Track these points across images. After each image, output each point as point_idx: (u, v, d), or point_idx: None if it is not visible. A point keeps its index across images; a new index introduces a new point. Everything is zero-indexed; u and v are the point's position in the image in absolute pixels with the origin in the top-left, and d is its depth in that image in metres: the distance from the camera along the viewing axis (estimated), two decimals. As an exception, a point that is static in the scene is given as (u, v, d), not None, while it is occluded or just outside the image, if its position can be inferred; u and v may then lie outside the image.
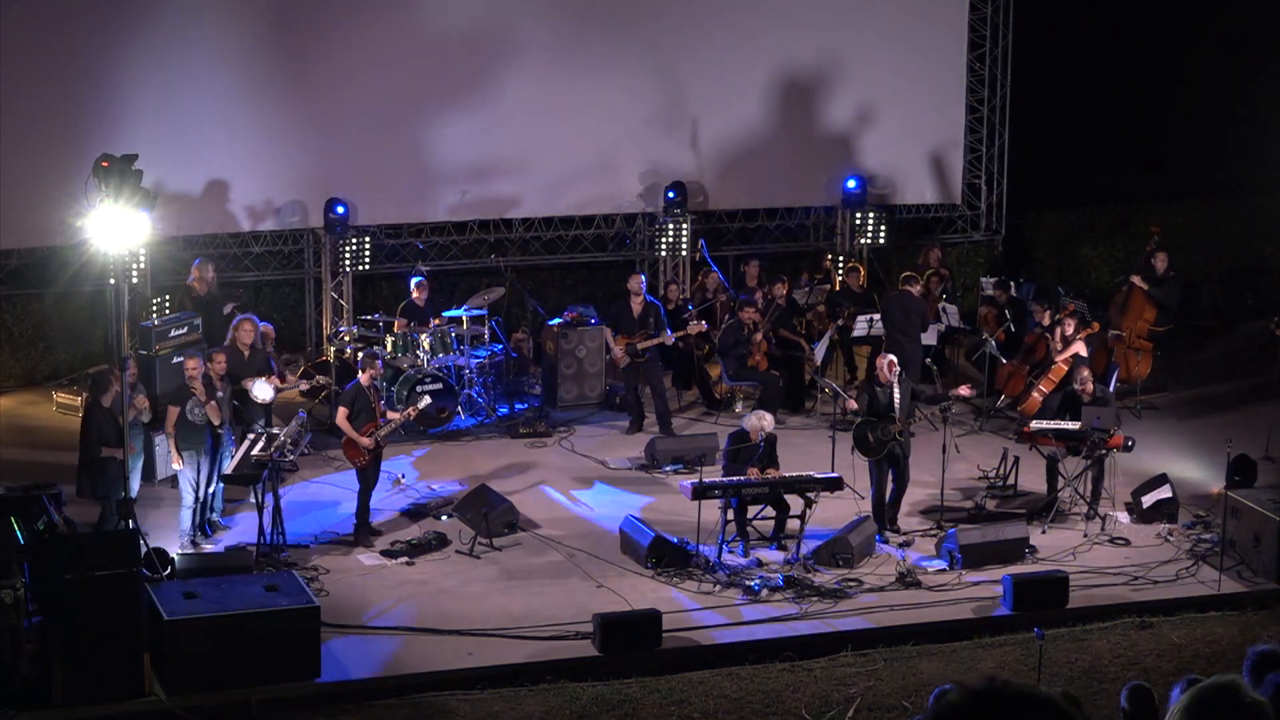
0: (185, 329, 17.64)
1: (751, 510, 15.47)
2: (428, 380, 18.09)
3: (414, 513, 16.28)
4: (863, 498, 16.02)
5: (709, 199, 21.64)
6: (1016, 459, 16.82)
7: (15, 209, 18.57)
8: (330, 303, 20.30)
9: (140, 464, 15.72)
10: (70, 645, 12.34)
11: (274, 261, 20.66)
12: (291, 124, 19.88)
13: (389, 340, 18.56)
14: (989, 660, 13.60)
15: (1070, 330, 18.35)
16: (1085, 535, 15.83)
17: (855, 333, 19.97)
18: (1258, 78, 24.52)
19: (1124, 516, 16.24)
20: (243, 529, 15.67)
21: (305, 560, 15.00)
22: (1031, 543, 15.42)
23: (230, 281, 19.69)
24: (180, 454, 15.26)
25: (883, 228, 22.05)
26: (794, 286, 20.70)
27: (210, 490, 15.54)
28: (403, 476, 17.08)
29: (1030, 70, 22.74)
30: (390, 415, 15.84)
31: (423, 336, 18.52)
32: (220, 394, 15.56)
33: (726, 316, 19.60)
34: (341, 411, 15.52)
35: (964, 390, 16.88)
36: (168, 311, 18.81)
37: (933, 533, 15.80)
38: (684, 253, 21.41)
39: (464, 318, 19.13)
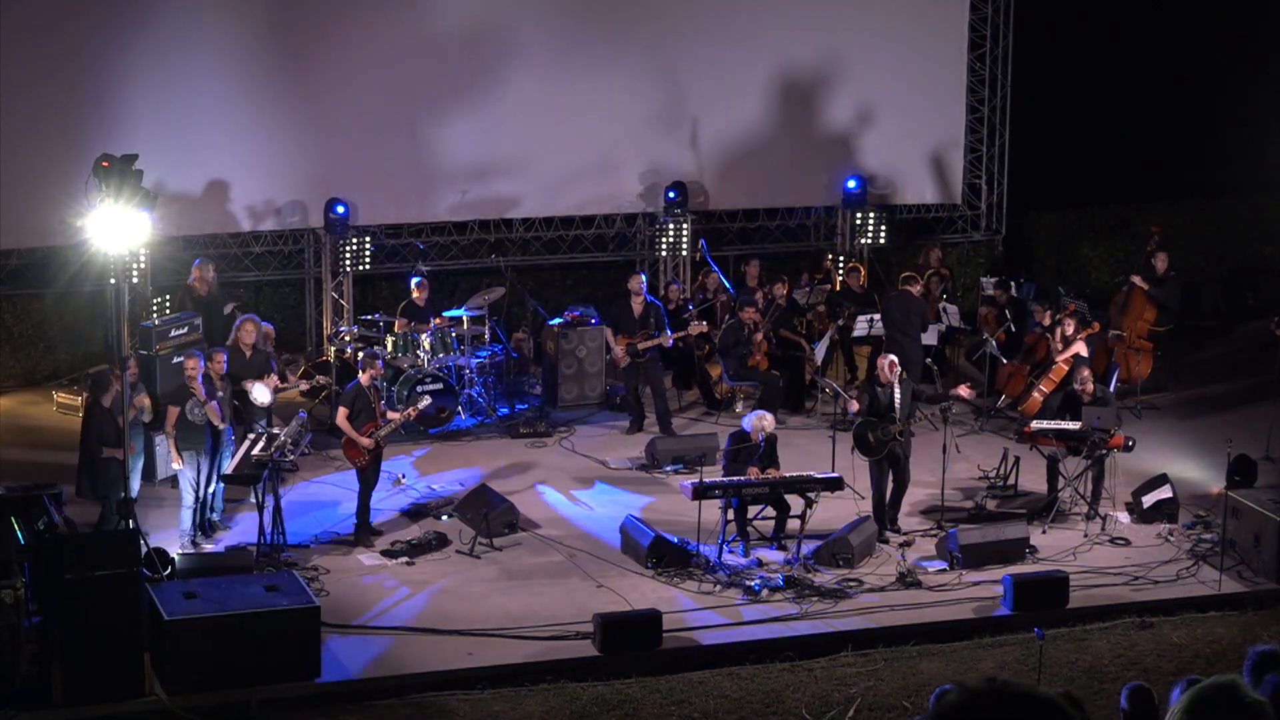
0: (186, 329, 17.63)
1: (752, 510, 15.47)
2: (428, 380, 18.09)
3: (414, 513, 16.27)
4: (863, 498, 16.02)
5: (709, 199, 21.64)
6: (1017, 459, 16.82)
7: (15, 209, 18.57)
8: (330, 303, 20.30)
9: (140, 464, 15.72)
10: (70, 645, 12.34)
11: (274, 261, 20.66)
12: (291, 124, 19.88)
13: (389, 340, 18.56)
14: (989, 660, 13.60)
15: (1070, 330, 18.35)
16: (1085, 535, 15.83)
17: (855, 333, 19.97)
18: (1258, 78, 24.52)
19: (1124, 516, 16.24)
20: (243, 529, 15.67)
21: (305, 560, 15.00)
22: (1032, 543, 15.42)
23: (231, 281, 19.69)
24: (180, 454, 15.26)
25: (883, 228, 22.05)
26: (794, 286, 20.70)
27: (210, 490, 15.54)
28: (403, 476, 17.08)
29: (1030, 70, 22.74)
30: (390, 415, 15.83)
31: (423, 336, 18.52)
32: (220, 394, 15.56)
33: (727, 316, 19.60)
34: (341, 411, 15.52)
35: (963, 390, 16.87)
36: (168, 311, 18.81)
37: (933, 533, 15.79)
38: (684, 253, 21.41)
39: (464, 318, 19.13)
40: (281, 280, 20.97)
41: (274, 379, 16.60)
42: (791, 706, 12.74)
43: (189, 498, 15.29)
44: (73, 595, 12.38)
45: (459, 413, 18.70)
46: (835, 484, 15.39)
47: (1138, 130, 25.40)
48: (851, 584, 14.65)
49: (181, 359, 16.01)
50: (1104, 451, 16.04)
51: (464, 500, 16.16)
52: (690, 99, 21.20)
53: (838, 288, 21.21)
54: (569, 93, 20.69)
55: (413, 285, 19.36)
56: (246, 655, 12.65)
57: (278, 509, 15.03)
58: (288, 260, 20.81)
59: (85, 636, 12.35)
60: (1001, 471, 16.95)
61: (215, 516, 15.70)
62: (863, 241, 21.97)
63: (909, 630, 13.92)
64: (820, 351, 19.78)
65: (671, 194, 21.05)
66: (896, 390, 15.72)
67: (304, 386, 18.03)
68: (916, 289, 19.23)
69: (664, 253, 21.44)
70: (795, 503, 15.27)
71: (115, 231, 14.26)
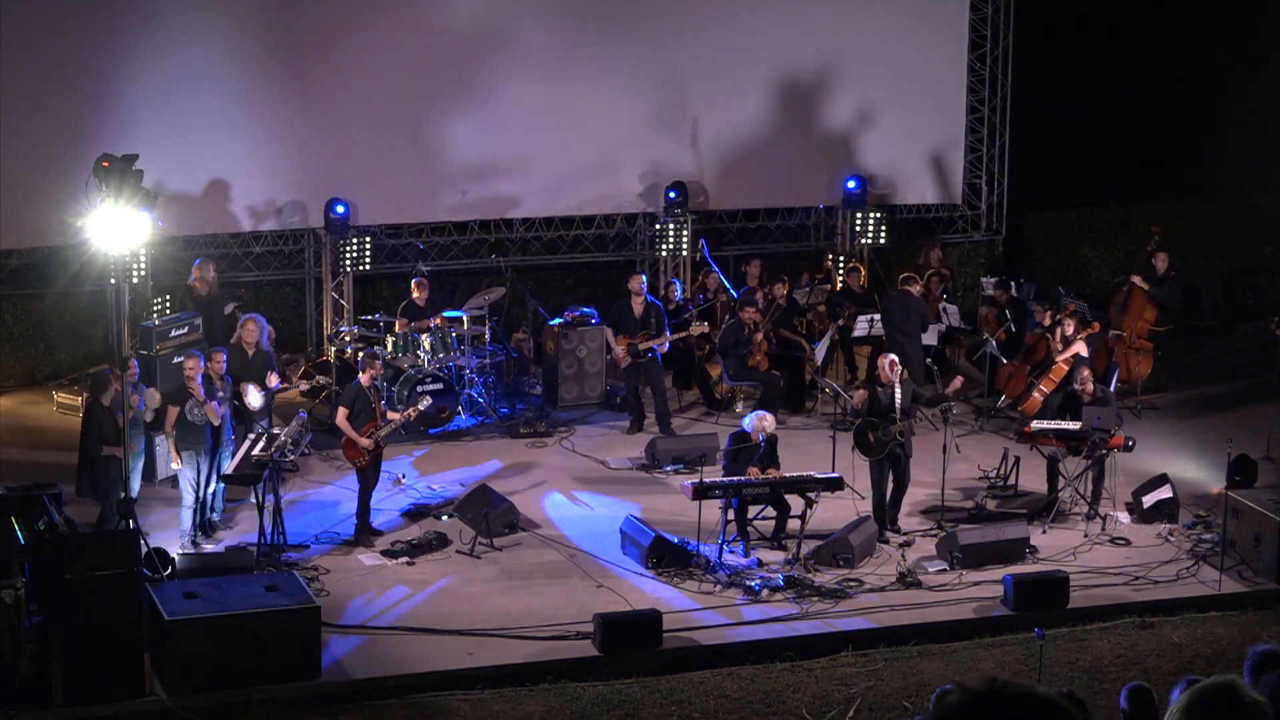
0: (186, 329, 17.63)
1: (752, 510, 15.47)
2: (428, 380, 18.09)
3: (414, 513, 16.27)
4: (863, 498, 16.01)
5: (709, 199, 21.64)
6: (1017, 459, 16.81)
7: (15, 209, 18.57)
8: (331, 303, 20.31)
9: (141, 464, 15.73)
10: (70, 645, 12.34)
11: (274, 261, 20.66)
12: (291, 124, 19.88)
13: (389, 340, 18.56)
14: (989, 660, 13.60)
15: (1071, 330, 18.35)
16: (1086, 535, 15.83)
17: (856, 333, 19.97)
18: (1258, 78, 24.52)
19: (1124, 516, 16.24)
20: (243, 529, 15.67)
21: (305, 560, 15.00)
22: (1032, 543, 15.42)
23: (231, 281, 19.70)
24: (179, 454, 15.26)
25: (883, 228, 22.05)
26: (794, 286, 20.70)
27: (210, 490, 15.54)
28: (403, 476, 17.08)
29: (1030, 70, 22.74)
30: (390, 415, 15.83)
31: (423, 337, 18.53)
32: (220, 394, 15.56)
33: (727, 316, 19.60)
34: (341, 412, 15.52)
35: (956, 382, 16.79)
36: (168, 311, 18.81)
37: (933, 533, 15.79)
38: (684, 253, 21.41)
39: (464, 318, 19.13)
40: (282, 280, 20.98)
41: (274, 377, 16.59)
42: (792, 706, 12.74)
43: (189, 498, 15.29)
44: (73, 595, 12.38)
45: (459, 413, 18.70)
46: (835, 484, 15.39)
47: (1138, 130, 25.40)
48: (852, 584, 14.65)
49: (181, 359, 16.02)
50: (1104, 451, 16.04)
51: (464, 500, 16.17)
52: (690, 99, 21.20)
53: (838, 288, 21.21)
54: (569, 93, 20.69)
55: (413, 285, 19.37)
56: (246, 655, 12.65)
57: (278, 509, 15.03)
58: (288, 260, 20.82)
59: (85, 636, 12.35)
60: (1002, 471, 16.95)
61: (215, 517, 15.70)
62: (863, 241, 21.97)
63: (909, 630, 13.92)
64: (820, 351, 19.78)
65: (672, 194, 21.05)
66: (897, 390, 15.72)
67: (304, 386, 18.03)
68: (916, 289, 19.24)
69: (664, 253, 21.44)
70: (795, 503, 15.27)
71: (115, 231, 14.27)
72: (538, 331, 20.45)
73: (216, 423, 15.41)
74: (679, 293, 20.27)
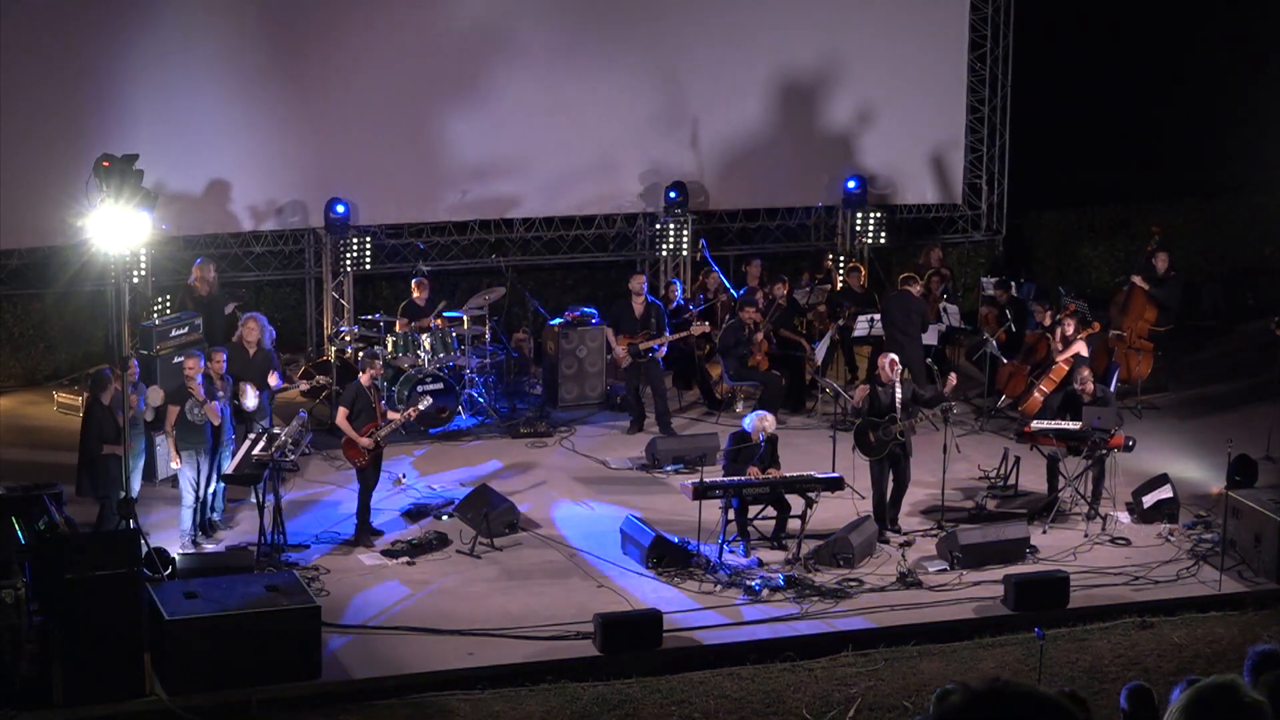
0: (186, 329, 17.63)
1: (752, 510, 15.47)
2: (428, 380, 18.09)
3: (414, 513, 16.27)
4: (863, 498, 16.01)
5: (710, 199, 21.64)
6: (1017, 459, 16.81)
7: (15, 209, 18.57)
8: (331, 303, 20.31)
9: (141, 464, 15.73)
10: (71, 645, 12.34)
11: (275, 261, 20.67)
12: (292, 124, 19.88)
13: (389, 340, 18.56)
14: (989, 660, 13.60)
15: (1071, 330, 18.35)
16: (1086, 535, 15.83)
17: (856, 333, 19.97)
18: (1258, 78, 24.53)
19: (1125, 516, 16.24)
20: (243, 529, 15.67)
21: (305, 560, 15.00)
22: (1032, 543, 15.42)
23: (231, 281, 19.70)
24: (179, 454, 15.26)
25: (883, 228, 22.05)
26: (795, 286, 20.69)
27: (211, 490, 15.54)
28: (403, 476, 17.08)
29: (1030, 70, 22.74)
30: (391, 415, 15.83)
31: (424, 336, 18.53)
32: (221, 393, 15.56)
33: (727, 316, 19.60)
34: (341, 411, 15.52)
35: (950, 380, 16.75)
36: (169, 311, 18.81)
37: (933, 533, 15.79)
38: (684, 253, 21.41)
39: (464, 318, 19.13)
40: (282, 280, 20.98)
41: (275, 377, 16.60)
42: (792, 706, 12.74)
43: (189, 497, 15.29)
44: (73, 595, 12.38)
45: (459, 413, 18.70)
46: (835, 484, 15.39)
47: (1138, 130, 25.41)
48: (852, 584, 14.65)
49: (181, 359, 16.02)
50: (1104, 451, 16.04)
51: (465, 500, 16.16)
52: (690, 99, 21.20)
53: (838, 288, 21.21)
54: (569, 93, 20.69)
55: (413, 285, 19.38)
56: (246, 655, 12.65)
57: (278, 509, 15.03)
58: (288, 260, 20.82)
59: (85, 636, 12.35)
60: (1002, 471, 16.95)
61: (216, 517, 15.70)
62: (863, 241, 21.98)
63: (909, 630, 13.92)
64: (821, 351, 19.78)
65: (672, 194, 21.05)
66: (898, 390, 15.72)
67: (304, 386, 18.03)
68: (917, 289, 19.24)
69: (664, 253, 21.44)
70: (796, 503, 15.28)
71: (116, 231, 14.26)
72: (538, 331, 20.45)
73: (217, 422, 15.41)
74: (679, 293, 20.26)
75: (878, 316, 19.56)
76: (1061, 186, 24.30)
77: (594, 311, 19.81)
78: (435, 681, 12.97)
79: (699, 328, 19.07)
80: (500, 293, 19.50)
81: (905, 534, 15.78)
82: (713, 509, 15.16)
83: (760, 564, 15.07)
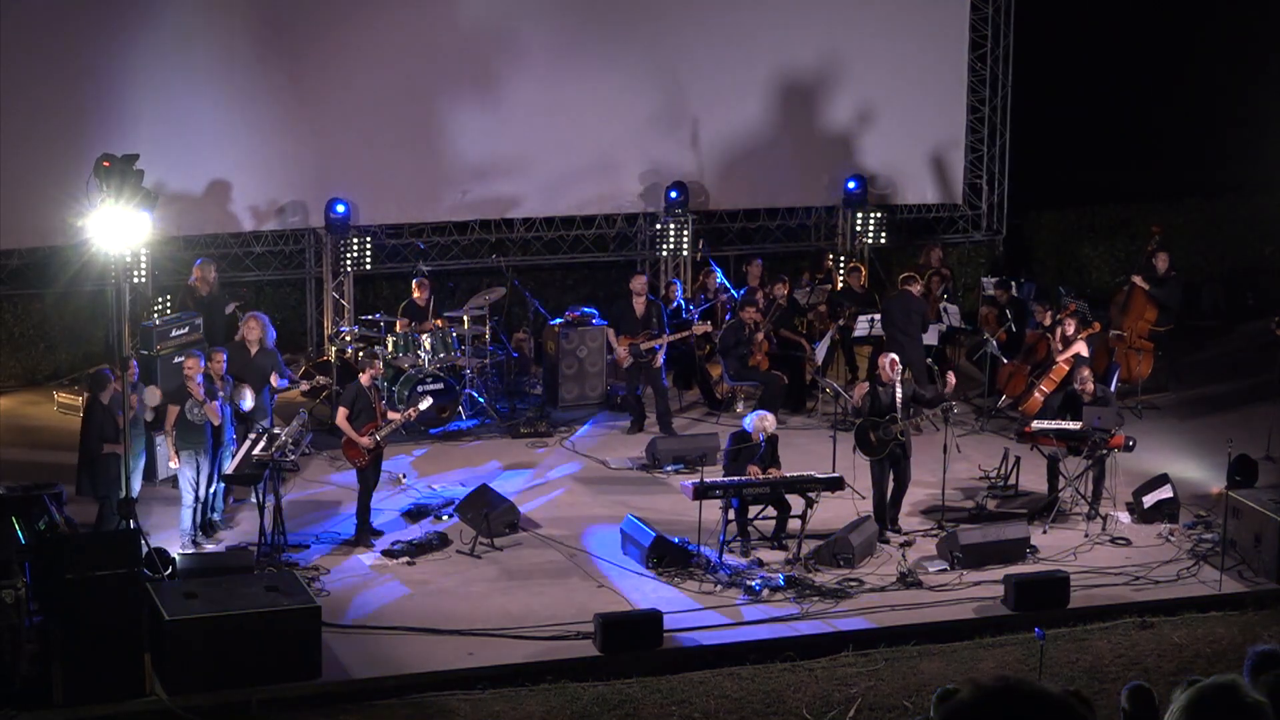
0: (186, 329, 17.63)
1: (752, 510, 15.47)
2: (429, 380, 18.09)
3: (415, 513, 16.27)
4: (863, 498, 16.01)
5: (710, 199, 21.64)
6: (1017, 459, 16.81)
7: (15, 209, 18.57)
8: (331, 303, 20.31)
9: (141, 464, 15.73)
10: (71, 645, 12.34)
11: (275, 261, 20.66)
12: (292, 124, 19.87)
13: (390, 340, 18.56)
14: (990, 660, 13.60)
15: (1071, 330, 18.35)
16: (1086, 535, 15.83)
17: (856, 333, 19.97)
18: (1258, 78, 24.52)
19: (1125, 516, 16.24)
20: (243, 529, 15.67)
21: (305, 560, 15.00)
22: (1032, 543, 15.42)
23: (232, 281, 19.70)
24: (178, 454, 15.25)
25: (884, 228, 22.05)
26: (795, 286, 20.69)
27: (211, 490, 15.54)
28: (403, 476, 17.08)
29: (1030, 70, 22.74)
30: (391, 415, 15.83)
31: (424, 337, 18.53)
32: (221, 393, 15.56)
33: (727, 316, 19.60)
34: (342, 411, 15.52)
35: (949, 380, 16.74)
36: (169, 311, 18.81)
37: (933, 533, 15.79)
38: (685, 253, 21.41)
39: (464, 318, 19.13)
40: (282, 280, 20.98)
41: (277, 378, 16.59)
42: (792, 706, 12.74)
43: (189, 497, 15.29)
44: (73, 595, 12.38)
45: (459, 413, 18.70)
46: (836, 484, 15.39)
47: (1138, 130, 25.40)
48: (852, 584, 14.65)
49: (181, 359, 16.02)
50: (1104, 451, 16.04)
51: (465, 500, 16.16)
52: (690, 99, 21.20)
53: (838, 288, 21.21)
54: (569, 93, 20.69)
55: (413, 285, 19.38)
56: (246, 655, 12.65)
57: (278, 509, 15.03)
58: (288, 260, 20.82)
59: (86, 636, 12.35)
60: (1002, 471, 16.95)
61: (216, 517, 15.70)
62: (864, 241, 21.97)
63: (910, 630, 13.92)
64: (821, 351, 19.78)
65: (672, 194, 21.05)
66: (898, 389, 15.72)
67: (304, 386, 18.03)
68: (917, 289, 19.23)
69: (665, 253, 21.44)
70: (796, 503, 15.27)
71: (116, 231, 14.26)
72: (538, 331, 20.44)
73: (217, 422, 15.41)
74: (679, 293, 20.26)
75: (878, 316, 19.56)
76: (1061, 186, 24.30)
77: (594, 311, 19.81)
78: (435, 681, 12.97)
79: (699, 327, 19.08)
80: (500, 293, 19.50)
81: (905, 534, 15.78)
82: (713, 509, 15.15)
83: (760, 564, 15.06)
